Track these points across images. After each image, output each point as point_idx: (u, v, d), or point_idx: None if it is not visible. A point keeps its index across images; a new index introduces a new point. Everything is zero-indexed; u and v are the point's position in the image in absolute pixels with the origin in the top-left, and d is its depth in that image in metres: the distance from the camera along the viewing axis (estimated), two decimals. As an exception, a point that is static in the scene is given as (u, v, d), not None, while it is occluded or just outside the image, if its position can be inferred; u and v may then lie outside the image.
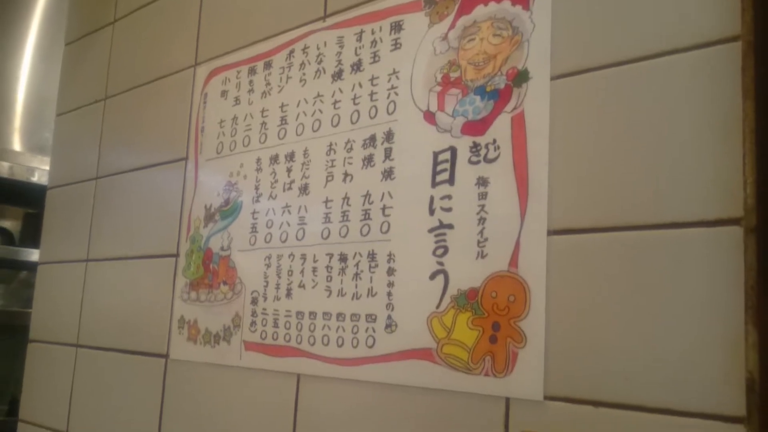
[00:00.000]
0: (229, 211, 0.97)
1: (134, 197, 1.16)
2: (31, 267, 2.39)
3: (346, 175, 0.82)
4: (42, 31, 2.46)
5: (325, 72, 0.88)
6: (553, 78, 0.66)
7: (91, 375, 1.16)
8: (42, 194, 2.34)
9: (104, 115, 1.27)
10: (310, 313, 0.82)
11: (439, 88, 0.75)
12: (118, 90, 1.24)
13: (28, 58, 2.45)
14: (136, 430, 1.04)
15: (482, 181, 0.69)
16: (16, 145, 2.41)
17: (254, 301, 0.90)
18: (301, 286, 0.84)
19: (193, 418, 0.96)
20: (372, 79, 0.82)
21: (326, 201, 0.84)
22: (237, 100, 1.00)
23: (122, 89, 1.23)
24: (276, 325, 0.86)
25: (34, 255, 2.40)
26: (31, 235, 2.48)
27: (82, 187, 1.28)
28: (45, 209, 1.38)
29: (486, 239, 0.68)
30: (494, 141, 0.69)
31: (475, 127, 0.71)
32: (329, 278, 0.81)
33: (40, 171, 2.40)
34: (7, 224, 2.53)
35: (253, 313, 0.89)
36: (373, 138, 0.80)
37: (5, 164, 2.36)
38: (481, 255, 0.68)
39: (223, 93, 1.03)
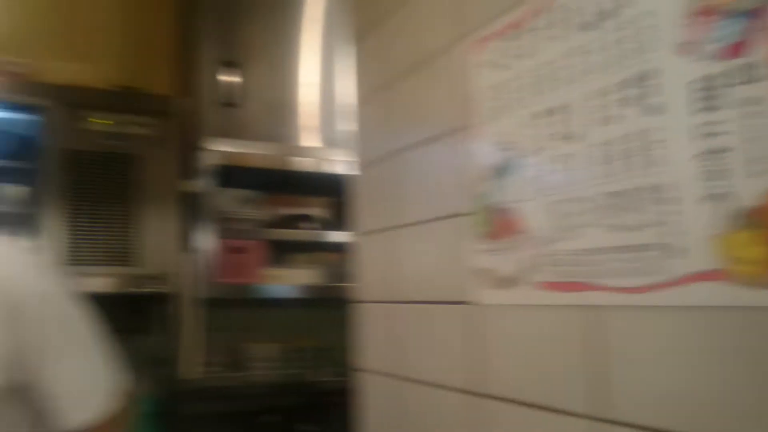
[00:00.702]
0: (507, 168, 1.06)
1: (422, 168, 1.31)
2: (339, 247, 2.74)
3: (608, 117, 0.87)
4: (327, 34, 2.78)
5: (574, 26, 0.93)
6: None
7: (406, 325, 1.35)
8: (341, 183, 2.65)
9: (391, 96, 1.44)
10: (593, 249, 0.89)
11: (691, 19, 0.76)
12: (399, 72, 1.41)
13: (318, 62, 2.78)
14: (448, 364, 1.21)
15: (747, 102, 0.70)
16: (317, 141, 2.77)
17: (540, 245, 0.98)
18: (581, 226, 0.91)
19: (498, 353, 1.08)
20: (621, 23, 0.85)
21: (593, 145, 0.89)
22: (500, 67, 1.09)
23: (402, 71, 1.39)
24: (563, 264, 0.94)
25: (340, 237, 2.75)
26: (338, 220, 2.84)
27: (381, 165, 1.48)
28: (356, 188, 1.59)
29: (761, 157, 0.69)
30: (755, 61, 0.69)
31: (732, 50, 0.71)
32: (606, 216, 0.87)
33: (338, 162, 2.74)
34: (319, 212, 2.91)
35: (541, 256, 0.98)
36: (630, 79, 0.84)
37: (311, 160, 2.73)
38: (759, 173, 0.69)
39: (487, 62, 1.12)
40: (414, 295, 1.33)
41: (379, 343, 1.46)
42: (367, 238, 1.53)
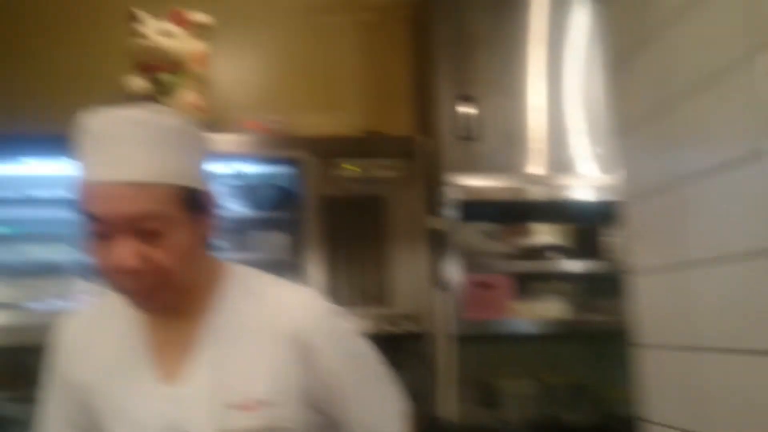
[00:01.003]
0: None
1: (714, 197, 1.18)
2: (583, 277, 2.60)
3: None
4: (552, 57, 2.69)
5: None
6: None
7: (707, 375, 1.20)
8: (577, 209, 2.54)
9: (668, 120, 1.32)
10: None
11: None
12: (677, 93, 1.29)
13: (545, 88, 2.70)
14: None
15: None
16: (549, 168, 2.68)
17: None
18: None
19: None
20: None
21: None
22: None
23: (681, 91, 1.27)
24: None
25: (583, 266, 2.62)
26: (579, 248, 2.71)
27: (658, 195, 1.36)
28: (625, 221, 1.48)
29: None
30: None
31: None
32: None
33: (572, 188, 2.62)
34: (556, 240, 2.79)
35: None
36: None
37: (546, 188, 2.63)
38: None
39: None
40: (716, 342, 1.18)
41: (671, 393, 1.32)
42: (646, 275, 1.40)
